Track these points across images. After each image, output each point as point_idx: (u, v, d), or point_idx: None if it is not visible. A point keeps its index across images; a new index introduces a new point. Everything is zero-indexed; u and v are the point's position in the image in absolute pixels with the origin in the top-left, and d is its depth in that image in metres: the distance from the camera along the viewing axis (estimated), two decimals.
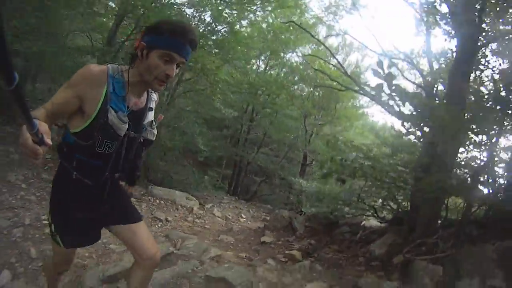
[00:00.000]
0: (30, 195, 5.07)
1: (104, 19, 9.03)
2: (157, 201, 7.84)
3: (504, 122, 5.20)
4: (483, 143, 5.32)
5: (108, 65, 1.76)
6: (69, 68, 6.94)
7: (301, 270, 3.90)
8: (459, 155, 5.84)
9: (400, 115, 4.81)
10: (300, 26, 9.04)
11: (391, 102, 4.32)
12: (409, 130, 5.50)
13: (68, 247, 1.99)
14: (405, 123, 5.34)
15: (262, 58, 15.30)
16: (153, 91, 1.98)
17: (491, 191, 5.24)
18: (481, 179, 5.42)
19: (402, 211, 6.18)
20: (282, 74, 15.01)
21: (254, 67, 15.64)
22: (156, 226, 6.26)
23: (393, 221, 6.33)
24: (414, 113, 4.85)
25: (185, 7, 9.40)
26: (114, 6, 9.33)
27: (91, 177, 1.82)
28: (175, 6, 8.59)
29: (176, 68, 1.72)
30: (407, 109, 5.09)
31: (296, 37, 12.34)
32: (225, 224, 7.76)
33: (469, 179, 5.32)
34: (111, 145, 1.74)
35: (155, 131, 1.98)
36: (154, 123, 1.97)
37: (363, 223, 6.91)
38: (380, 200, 6.37)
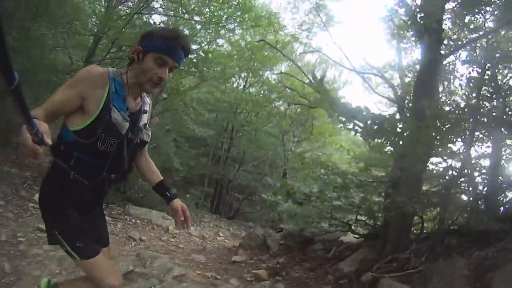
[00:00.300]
0: (7, 212, 5.09)
1: (84, 37, 9.11)
2: (133, 220, 7.77)
3: (476, 131, 5.34)
4: (457, 152, 5.35)
5: (108, 68, 1.82)
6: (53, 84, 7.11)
7: None
8: (433, 166, 5.95)
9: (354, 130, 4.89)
10: (270, 44, 9.20)
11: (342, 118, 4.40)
12: (375, 144, 5.55)
13: (84, 257, 1.82)
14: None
15: (242, 76, 15.45)
16: (146, 95, 2.04)
17: (471, 199, 5.26)
18: (457, 188, 5.49)
19: (378, 226, 6.14)
20: (262, 92, 15.14)
21: (235, 85, 15.78)
22: (130, 245, 6.16)
23: (369, 236, 6.30)
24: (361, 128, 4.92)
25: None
26: (91, 26, 9.43)
27: (88, 176, 1.82)
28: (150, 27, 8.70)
29: (169, 72, 1.80)
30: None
31: (273, 55, 12.51)
32: (201, 243, 7.68)
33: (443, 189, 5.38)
34: (113, 143, 1.77)
35: (149, 133, 2.03)
36: (148, 125, 2.02)
37: (340, 238, 6.88)
38: (355, 216, 6.36)
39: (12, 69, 0.67)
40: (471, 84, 6.09)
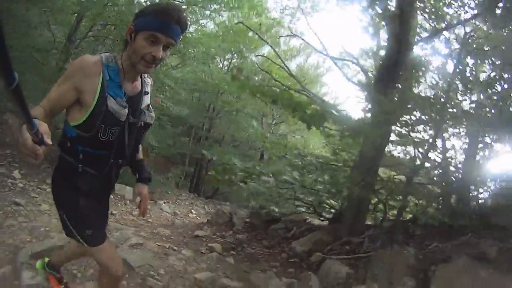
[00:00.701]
0: None
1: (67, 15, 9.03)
2: None
3: (443, 123, 5.30)
4: (423, 141, 5.39)
5: (101, 54, 1.78)
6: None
7: (208, 261, 4.13)
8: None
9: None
10: (247, 27, 9.27)
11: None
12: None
13: (92, 245, 1.92)
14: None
15: (227, 57, 15.50)
16: (147, 75, 1.99)
17: (439, 191, 5.41)
18: (426, 178, 5.59)
19: (341, 209, 6.35)
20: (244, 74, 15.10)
21: (220, 65, 15.83)
22: None
23: (333, 220, 6.52)
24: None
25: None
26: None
27: (97, 167, 1.83)
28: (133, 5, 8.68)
29: (165, 50, 1.70)
30: None
31: (258, 38, 12.60)
32: (171, 219, 7.91)
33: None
34: (114, 132, 1.74)
35: (153, 114, 1.99)
36: (150, 106, 1.98)
37: (308, 220, 7.15)
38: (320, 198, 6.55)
39: (12, 69, 0.66)
40: (440, 76, 6.06)
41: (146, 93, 1.96)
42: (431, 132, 5.52)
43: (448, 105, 5.37)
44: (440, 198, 5.41)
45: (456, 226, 4.52)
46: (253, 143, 15.94)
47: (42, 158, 1.19)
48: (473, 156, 5.46)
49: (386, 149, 5.93)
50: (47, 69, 7.86)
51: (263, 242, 5.80)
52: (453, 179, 5.42)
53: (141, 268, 3.36)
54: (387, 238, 4.81)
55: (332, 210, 6.82)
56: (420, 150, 5.43)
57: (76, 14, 8.77)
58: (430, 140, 5.44)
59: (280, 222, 6.89)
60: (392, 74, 5.56)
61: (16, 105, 0.78)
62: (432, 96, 5.95)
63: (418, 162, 5.37)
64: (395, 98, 5.29)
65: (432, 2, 6.14)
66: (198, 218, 9.00)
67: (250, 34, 12.18)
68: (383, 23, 6.28)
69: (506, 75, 5.20)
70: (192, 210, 9.93)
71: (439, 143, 5.60)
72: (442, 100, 5.47)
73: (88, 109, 1.67)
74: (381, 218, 5.78)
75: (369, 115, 6.08)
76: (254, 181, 6.33)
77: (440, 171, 5.55)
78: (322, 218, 6.97)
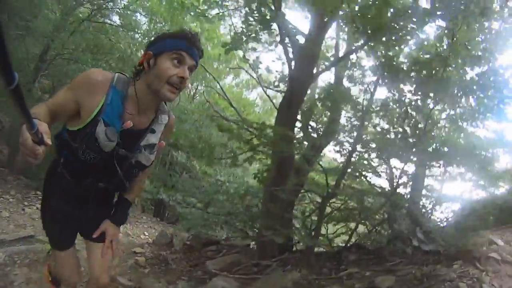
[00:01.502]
0: None
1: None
2: None
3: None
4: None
5: (116, 73, 1.69)
6: None
7: (128, 269, 5.00)
8: None
9: None
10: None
11: None
12: None
13: (54, 248, 2.09)
14: None
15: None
16: (163, 113, 1.86)
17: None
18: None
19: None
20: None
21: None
22: None
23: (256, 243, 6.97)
24: None
25: None
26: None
27: (74, 176, 1.78)
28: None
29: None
30: None
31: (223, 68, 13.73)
32: (120, 237, 8.59)
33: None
34: (94, 157, 1.65)
35: (151, 157, 1.83)
36: (154, 148, 1.83)
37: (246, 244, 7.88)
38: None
39: (12, 69, 0.66)
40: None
41: (153, 131, 1.82)
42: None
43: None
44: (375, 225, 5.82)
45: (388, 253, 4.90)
46: None
47: (42, 158, 1.20)
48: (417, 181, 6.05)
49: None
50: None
51: (192, 261, 6.56)
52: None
53: None
54: (299, 263, 5.27)
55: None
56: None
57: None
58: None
59: (217, 245, 7.67)
60: (294, 103, 5.82)
61: (16, 105, 0.78)
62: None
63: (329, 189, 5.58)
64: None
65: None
66: (150, 240, 9.70)
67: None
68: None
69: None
70: (145, 232, 10.60)
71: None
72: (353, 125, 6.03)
73: (82, 124, 1.63)
74: (296, 242, 6.35)
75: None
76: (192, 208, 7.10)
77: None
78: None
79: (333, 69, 6.78)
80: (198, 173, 14.80)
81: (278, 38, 6.28)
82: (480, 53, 5.73)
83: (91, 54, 10.01)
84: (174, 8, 9.78)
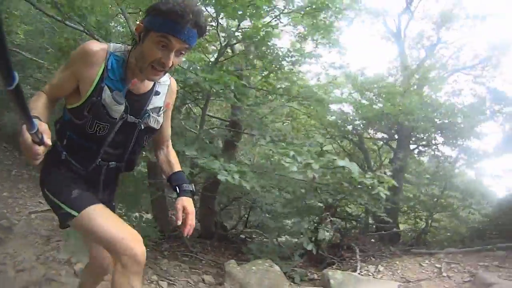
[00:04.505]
0: None
1: None
2: None
3: None
4: None
5: (110, 43, 1.61)
6: None
7: None
8: None
9: None
10: None
11: None
12: None
13: (82, 208, 1.51)
14: None
15: None
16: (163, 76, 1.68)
17: None
18: None
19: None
20: None
21: None
22: None
23: None
24: None
25: None
26: None
27: (81, 161, 1.65)
28: None
29: (178, 56, 1.48)
30: None
31: None
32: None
33: None
34: (103, 127, 1.56)
35: (160, 119, 1.73)
36: (161, 109, 1.74)
37: None
38: None
39: (12, 69, 0.64)
40: None
41: (158, 93, 1.71)
42: None
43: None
44: None
45: None
46: None
47: (42, 158, 1.18)
48: None
49: None
50: None
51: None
52: None
53: None
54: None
55: None
56: None
57: None
58: None
59: None
60: None
61: (16, 105, 0.77)
62: None
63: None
64: None
65: None
66: None
67: None
68: None
69: None
70: None
71: None
72: None
73: (84, 97, 1.54)
74: None
75: None
76: None
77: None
78: None
79: None
80: None
81: None
82: None
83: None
84: None
